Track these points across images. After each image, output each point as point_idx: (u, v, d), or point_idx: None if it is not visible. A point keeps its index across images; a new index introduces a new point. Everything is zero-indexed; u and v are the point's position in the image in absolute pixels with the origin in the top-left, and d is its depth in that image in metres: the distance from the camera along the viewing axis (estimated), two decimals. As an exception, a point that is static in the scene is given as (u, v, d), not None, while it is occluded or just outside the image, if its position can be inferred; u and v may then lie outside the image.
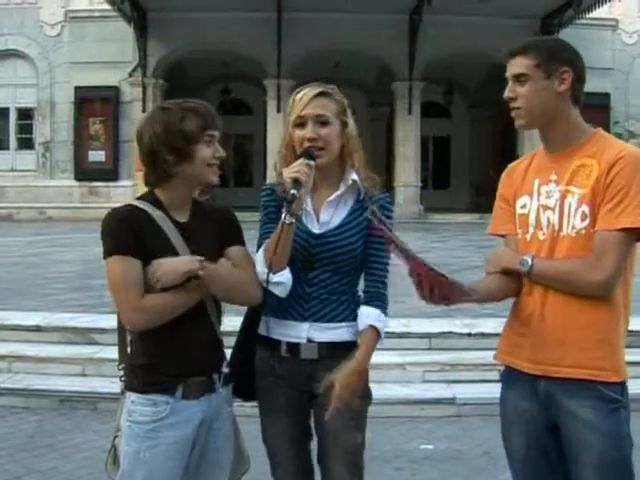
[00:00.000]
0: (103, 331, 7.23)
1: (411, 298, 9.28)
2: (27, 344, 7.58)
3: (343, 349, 2.96)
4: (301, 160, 2.85)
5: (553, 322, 2.70)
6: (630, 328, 2.78)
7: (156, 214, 2.83)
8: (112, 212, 2.82)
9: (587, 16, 20.85)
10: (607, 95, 22.93)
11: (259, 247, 2.95)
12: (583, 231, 2.66)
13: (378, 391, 6.33)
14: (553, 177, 2.77)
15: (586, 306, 2.65)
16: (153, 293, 2.74)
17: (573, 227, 2.68)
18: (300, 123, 2.96)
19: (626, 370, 2.73)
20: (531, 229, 2.80)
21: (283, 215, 2.79)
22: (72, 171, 23.50)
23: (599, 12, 20.95)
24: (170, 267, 2.73)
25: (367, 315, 2.97)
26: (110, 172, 23.17)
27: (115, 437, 2.89)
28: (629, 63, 23.76)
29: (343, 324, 2.99)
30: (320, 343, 2.98)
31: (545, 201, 2.77)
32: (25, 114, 24.22)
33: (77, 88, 23.21)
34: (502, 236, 2.96)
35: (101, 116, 23.35)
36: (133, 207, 2.84)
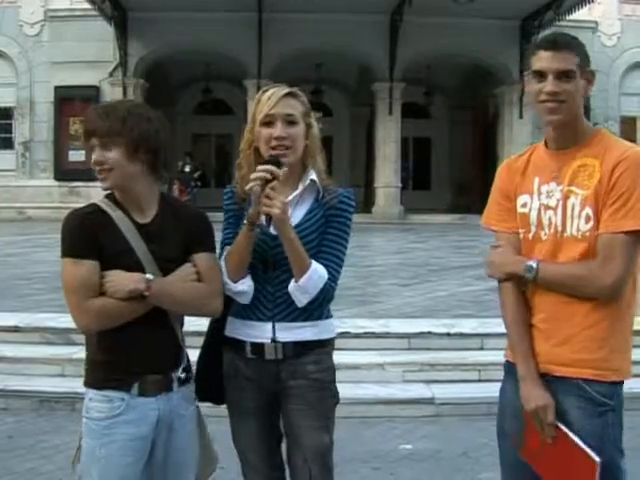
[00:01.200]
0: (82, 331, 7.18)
1: (389, 298, 9.31)
2: (6, 344, 7.54)
3: (308, 349, 3.00)
4: (267, 166, 2.82)
5: (556, 323, 2.70)
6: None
7: (115, 214, 2.84)
8: (72, 213, 2.86)
9: (567, 18, 20.95)
10: (587, 97, 23.00)
11: (221, 255, 2.97)
12: (587, 233, 2.64)
13: (357, 391, 6.41)
14: (553, 176, 2.75)
15: (587, 306, 2.65)
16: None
17: (578, 229, 2.67)
18: (268, 122, 2.98)
19: (629, 371, 2.72)
20: (533, 228, 2.77)
21: (243, 224, 2.85)
22: (52, 171, 23.37)
23: (579, 14, 21.06)
24: (117, 283, 2.75)
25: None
26: (90, 172, 22.43)
27: (81, 436, 2.90)
28: (608, 65, 23.87)
29: (307, 323, 3.00)
30: (285, 343, 2.99)
31: (546, 200, 2.75)
32: (4, 114, 24.03)
33: (57, 88, 23.10)
34: (495, 231, 2.93)
35: (81, 116, 22.97)
36: (94, 207, 2.86)
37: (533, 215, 2.77)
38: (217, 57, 23.40)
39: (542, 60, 2.67)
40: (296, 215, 2.99)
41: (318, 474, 3.01)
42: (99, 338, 2.84)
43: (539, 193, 2.77)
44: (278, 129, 2.96)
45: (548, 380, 2.71)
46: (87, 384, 2.90)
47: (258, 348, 3.01)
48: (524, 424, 2.75)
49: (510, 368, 2.85)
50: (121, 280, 2.75)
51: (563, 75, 2.67)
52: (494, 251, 2.85)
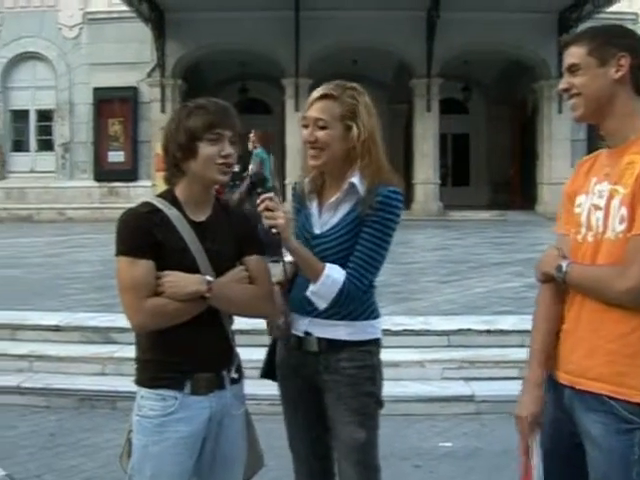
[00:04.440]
0: (122, 330, 7.26)
1: (429, 295, 9.31)
2: (47, 344, 7.63)
3: (341, 347, 3.03)
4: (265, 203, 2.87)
5: (586, 333, 2.55)
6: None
7: (171, 213, 2.85)
8: (127, 212, 2.86)
9: (606, 10, 20.69)
10: None
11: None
12: (620, 235, 2.48)
13: (397, 389, 6.39)
14: (605, 174, 2.59)
15: (619, 318, 2.47)
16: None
17: (613, 230, 2.50)
18: (305, 124, 3.04)
19: None
20: (582, 229, 2.62)
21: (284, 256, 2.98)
22: (91, 172, 23.58)
23: (619, 6, 20.78)
24: (177, 284, 2.76)
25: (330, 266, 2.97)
26: (129, 172, 23.23)
27: (130, 431, 2.93)
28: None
29: (341, 322, 3.03)
30: (320, 338, 3.05)
31: (597, 200, 2.58)
32: (44, 116, 24.32)
33: (96, 89, 23.31)
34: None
35: (120, 117, 23.42)
36: (149, 206, 2.87)
37: (584, 216, 2.63)
38: (254, 56, 23.44)
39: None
40: (335, 218, 3.03)
41: (354, 471, 3.02)
42: (151, 337, 2.86)
43: (592, 193, 2.62)
44: (307, 133, 3.02)
45: (570, 393, 2.60)
46: (139, 382, 2.91)
47: (299, 339, 3.09)
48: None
49: (547, 378, 2.72)
50: (181, 281, 2.77)
51: (570, 69, 2.61)
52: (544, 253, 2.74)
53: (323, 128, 2.99)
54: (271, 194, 2.84)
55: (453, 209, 22.99)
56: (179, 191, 2.90)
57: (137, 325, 2.81)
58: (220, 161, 2.82)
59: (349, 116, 3.00)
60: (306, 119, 3.03)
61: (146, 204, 2.89)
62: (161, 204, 2.87)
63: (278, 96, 24.63)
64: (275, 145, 29.14)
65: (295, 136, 21.95)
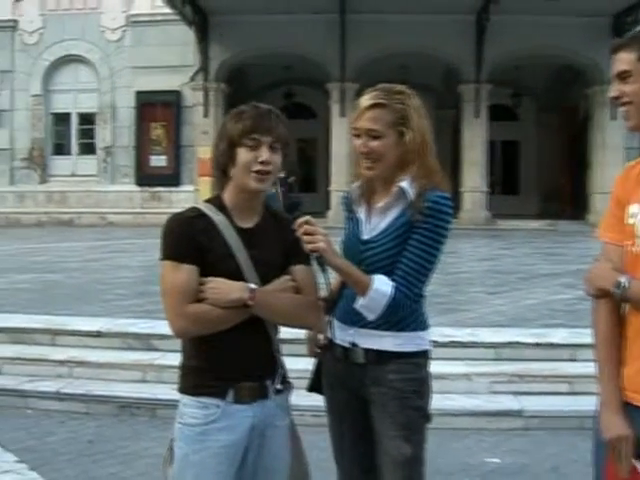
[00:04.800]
0: (164, 337, 7.29)
1: (477, 306, 9.23)
2: (87, 350, 7.70)
3: (389, 358, 3.01)
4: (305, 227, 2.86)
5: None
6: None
7: (218, 218, 2.86)
8: (173, 216, 2.89)
9: (664, 14, 20.47)
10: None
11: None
12: None
13: (443, 402, 6.36)
14: None
15: None
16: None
17: None
18: (356, 134, 3.04)
19: None
20: (638, 241, 2.52)
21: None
22: (133, 176, 23.83)
23: (677, 9, 20.54)
24: (219, 291, 2.77)
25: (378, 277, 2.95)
26: (172, 177, 23.41)
27: (172, 439, 2.94)
28: None
29: (387, 333, 3.01)
30: (366, 349, 3.03)
31: None
32: (86, 119, 24.63)
33: (138, 93, 23.57)
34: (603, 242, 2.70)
35: (162, 121, 23.63)
36: (196, 211, 2.88)
37: (639, 227, 2.52)
38: (298, 60, 23.52)
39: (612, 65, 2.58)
40: (383, 223, 3.02)
41: None
42: (195, 343, 2.88)
43: None
44: (360, 143, 3.01)
45: (629, 409, 2.54)
46: (181, 390, 2.92)
47: (345, 350, 3.08)
48: (605, 453, 2.58)
49: None
50: (225, 288, 2.78)
51: (621, 76, 2.54)
52: (593, 265, 2.65)
53: (376, 138, 2.98)
54: (308, 217, 2.83)
55: (502, 218, 22.84)
56: (226, 197, 2.92)
57: (177, 330, 2.83)
58: (256, 168, 2.80)
59: (400, 122, 2.98)
60: (357, 129, 3.02)
61: (193, 209, 2.91)
62: (208, 209, 2.88)
63: (323, 101, 24.67)
64: (319, 151, 29.29)
65: (340, 141, 21.96)
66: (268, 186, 2.86)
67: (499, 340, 7.52)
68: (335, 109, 22.93)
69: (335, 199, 21.96)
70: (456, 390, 6.84)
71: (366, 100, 3.01)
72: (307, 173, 29.64)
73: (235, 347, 2.84)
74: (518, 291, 10.75)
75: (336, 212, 20.49)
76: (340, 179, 21.75)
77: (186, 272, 2.78)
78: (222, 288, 2.78)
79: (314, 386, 3.25)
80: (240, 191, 2.88)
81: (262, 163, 2.80)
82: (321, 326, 3.08)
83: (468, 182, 23.11)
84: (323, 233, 2.83)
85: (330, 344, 3.15)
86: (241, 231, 2.87)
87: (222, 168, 2.88)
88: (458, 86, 23.53)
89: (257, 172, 2.81)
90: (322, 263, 2.85)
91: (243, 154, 2.81)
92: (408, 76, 22.74)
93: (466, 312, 9.04)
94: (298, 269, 2.93)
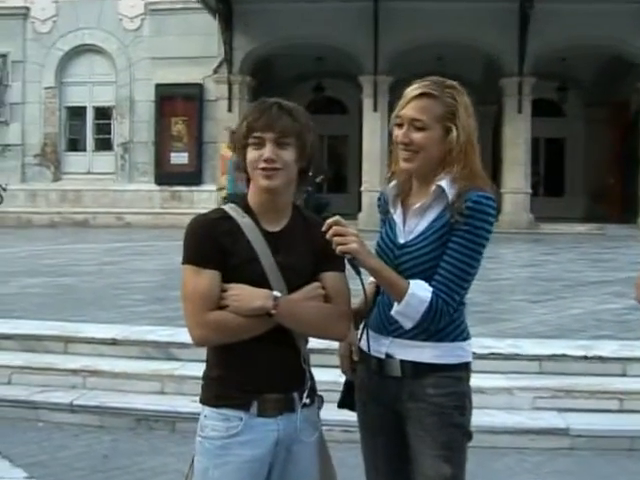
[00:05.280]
0: (184, 346, 7.29)
1: (519, 316, 9.18)
2: (102, 358, 7.72)
3: (427, 371, 2.98)
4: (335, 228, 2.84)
5: None
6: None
7: (243, 221, 2.87)
8: (196, 218, 2.91)
9: None
10: None
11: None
12: None
13: (482, 418, 6.31)
14: None
15: None
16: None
17: None
18: (399, 123, 3.01)
19: None
20: None
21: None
22: (152, 174, 23.94)
23: None
24: (241, 298, 2.78)
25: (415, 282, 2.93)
26: (193, 176, 23.50)
27: (194, 455, 2.94)
28: None
29: (426, 344, 2.98)
30: (403, 361, 3.00)
31: None
32: (103, 113, 24.81)
33: (158, 85, 23.68)
34: None
35: (184, 116, 23.73)
36: (220, 213, 2.90)
37: None
38: (329, 51, 23.53)
39: None
40: (422, 225, 3.00)
41: None
42: (216, 352, 2.89)
43: None
44: (401, 133, 2.99)
45: None
46: (203, 401, 2.93)
47: (379, 362, 3.05)
48: None
49: None
50: (247, 295, 2.78)
51: None
52: None
53: (420, 129, 2.96)
54: (337, 217, 2.82)
55: (545, 221, 22.74)
56: (250, 197, 2.94)
57: (197, 338, 2.84)
58: (261, 165, 2.83)
59: (449, 117, 2.97)
60: (401, 118, 2.99)
61: (217, 210, 2.94)
62: (233, 211, 2.89)
63: (355, 95, 24.70)
64: (350, 148, 29.29)
65: (373, 138, 21.98)
66: (280, 183, 2.86)
67: (543, 352, 7.46)
68: (367, 103, 22.92)
69: (367, 200, 21.97)
70: (496, 405, 6.79)
71: (415, 89, 3.00)
72: (337, 172, 29.67)
73: (260, 357, 2.84)
74: (563, 300, 10.69)
75: (368, 214, 20.50)
76: (372, 179, 21.77)
77: (208, 277, 2.79)
78: (244, 295, 2.78)
79: (345, 402, 3.23)
80: (259, 190, 2.89)
81: (265, 161, 2.82)
82: (351, 338, 3.06)
83: (509, 183, 23.03)
84: (355, 233, 2.82)
85: (363, 356, 3.13)
86: (267, 234, 2.88)
87: (244, 169, 2.92)
88: (499, 79, 23.47)
89: (262, 169, 2.83)
90: (355, 265, 2.83)
91: (250, 153, 2.85)
92: (445, 68, 22.68)
93: (507, 322, 9.00)
94: (328, 276, 2.93)
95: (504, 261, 15.11)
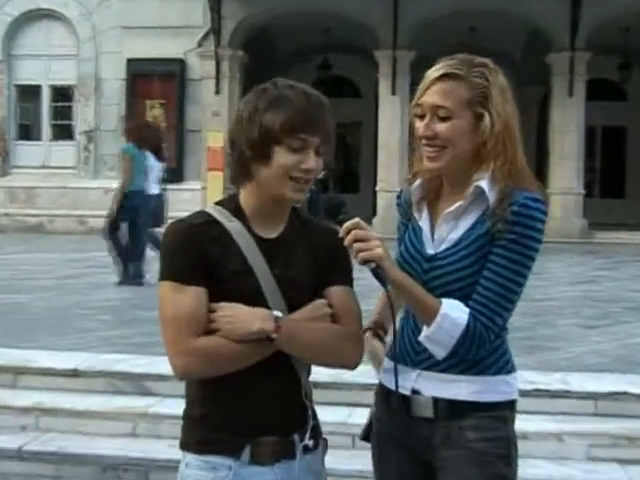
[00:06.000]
0: (161, 378, 7.29)
1: (569, 344, 9.19)
2: (62, 393, 7.71)
3: (465, 411, 2.96)
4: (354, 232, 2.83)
5: None
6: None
7: (232, 226, 2.85)
8: (175, 224, 2.87)
9: None
10: None
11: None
12: None
13: (527, 469, 6.30)
14: None
15: None
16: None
17: None
18: (419, 114, 2.99)
19: None
20: None
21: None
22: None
23: None
24: (236, 320, 2.76)
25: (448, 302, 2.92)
26: (172, 172, 23.45)
27: None
28: None
29: (463, 377, 2.97)
30: (436, 398, 2.99)
31: None
32: (62, 94, 24.86)
33: (130, 61, 23.70)
34: None
35: (161, 98, 23.77)
36: (204, 217, 2.88)
37: None
38: (338, 21, 23.58)
39: None
40: (456, 233, 2.98)
41: None
42: (199, 386, 2.87)
43: None
44: (422, 125, 2.96)
45: None
46: (183, 446, 2.92)
47: (404, 399, 3.02)
48: None
49: None
50: (242, 316, 2.76)
51: None
52: None
53: (445, 119, 2.92)
54: (357, 219, 2.79)
55: (602, 229, 22.76)
56: (244, 198, 2.90)
57: (180, 369, 2.80)
58: (297, 174, 2.79)
59: (480, 102, 2.93)
60: (421, 107, 2.95)
61: (200, 214, 2.90)
62: (220, 214, 2.87)
63: (369, 74, 24.75)
64: (363, 138, 29.32)
65: (391, 126, 22.01)
66: (304, 197, 2.87)
67: (599, 389, 7.46)
68: (385, 84, 22.96)
69: (383, 202, 22.00)
70: (543, 454, 6.79)
71: (436, 70, 2.95)
72: (347, 167, 29.67)
73: (253, 391, 2.82)
74: (624, 325, 10.70)
75: (384, 219, 20.53)
76: (390, 176, 21.82)
77: (192, 296, 2.76)
78: (239, 316, 2.76)
79: (369, 434, 3.22)
80: (267, 197, 2.87)
81: (306, 171, 2.79)
82: (357, 364, 3.01)
83: (558, 181, 23.04)
84: (378, 237, 2.80)
85: (381, 390, 3.12)
86: (262, 242, 2.86)
87: (247, 163, 2.85)
88: (546, 55, 23.49)
89: (297, 180, 2.80)
90: (380, 275, 2.80)
91: (283, 156, 2.77)
92: (480, 42, 22.79)
93: (555, 351, 9.00)
94: (335, 291, 2.92)
95: (551, 277, 15.13)
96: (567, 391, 7.42)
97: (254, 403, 2.83)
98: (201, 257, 2.78)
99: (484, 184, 2.94)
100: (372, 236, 2.79)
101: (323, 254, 2.91)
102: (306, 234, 2.96)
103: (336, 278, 2.93)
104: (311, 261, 2.91)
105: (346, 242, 2.78)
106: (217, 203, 2.95)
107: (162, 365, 7.55)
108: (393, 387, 2.99)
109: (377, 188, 22.94)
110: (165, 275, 2.81)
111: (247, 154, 2.81)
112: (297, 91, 2.81)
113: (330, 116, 2.84)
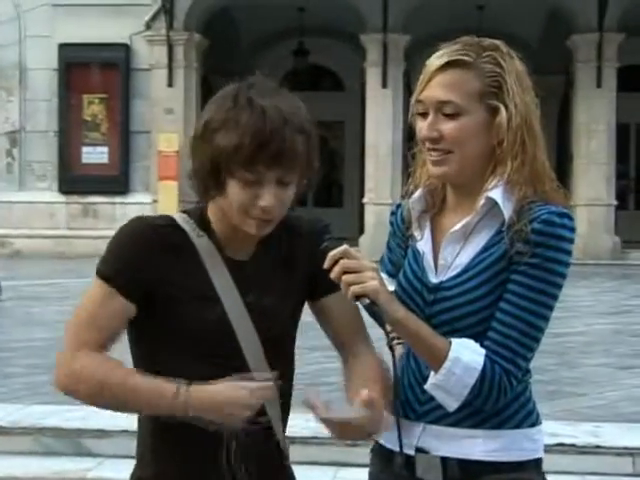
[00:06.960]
0: (102, 434, 7.30)
1: (599, 388, 9.23)
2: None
3: (480, 472, 2.94)
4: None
5: None
6: None
7: (200, 241, 2.83)
8: (135, 220, 2.86)
9: None
10: None
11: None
12: None
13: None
14: None
15: None
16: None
17: None
18: (421, 112, 2.96)
19: None
20: None
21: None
22: (55, 179, 23.95)
23: None
24: (236, 401, 2.67)
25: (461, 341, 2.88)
26: (116, 181, 23.52)
27: None
28: None
29: (479, 432, 2.94)
30: (445, 458, 2.96)
31: None
32: (-20, 88, 24.86)
33: (62, 46, 23.69)
34: None
35: (102, 92, 23.79)
36: (169, 221, 2.86)
37: None
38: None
39: None
40: (465, 256, 2.95)
41: None
42: (154, 439, 2.85)
43: None
44: (425, 125, 2.93)
45: None
46: None
47: (408, 460, 2.99)
48: None
49: None
50: (236, 398, 2.67)
51: None
52: None
53: (453, 116, 2.89)
54: (345, 247, 2.73)
55: (636, 247, 22.83)
56: (213, 214, 2.87)
57: (56, 382, 2.78)
58: (255, 212, 2.73)
59: (493, 92, 2.89)
60: (423, 103, 2.93)
61: (165, 217, 2.89)
62: (186, 224, 2.86)
63: (355, 62, 24.81)
64: (348, 141, 29.35)
65: (381, 126, 22.04)
66: (271, 229, 2.81)
67: (637, 444, 7.49)
68: (373, 75, 22.99)
69: (372, 218, 22.04)
70: (569, 523, 6.84)
71: (439, 57, 2.92)
72: (327, 177, 29.66)
73: (217, 446, 2.78)
74: (665, 365, 10.75)
75: (374, 238, 20.52)
76: (380, 187, 21.85)
77: (119, 309, 2.75)
78: (233, 399, 2.67)
79: None
80: (237, 229, 2.83)
81: (263, 210, 2.72)
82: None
83: (583, 190, 23.10)
84: (372, 267, 2.76)
85: (380, 449, 3.11)
86: (233, 264, 2.85)
87: (207, 183, 2.77)
88: (568, 38, 23.60)
89: (254, 219, 2.74)
90: (376, 313, 2.75)
91: (236, 190, 2.71)
92: (488, 23, 22.97)
93: (582, 397, 9.04)
94: (332, 299, 2.94)
95: (576, 307, 15.17)
96: (598, 446, 7.44)
97: (219, 461, 2.78)
98: (152, 265, 2.75)
99: (497, 194, 2.89)
100: (365, 266, 2.74)
101: (307, 263, 2.92)
102: (289, 244, 2.95)
103: (328, 283, 2.81)
104: (295, 279, 2.92)
105: (333, 275, 2.73)
106: (185, 211, 2.92)
107: (103, 419, 7.55)
108: (394, 447, 2.98)
109: (364, 200, 22.95)
110: (102, 271, 2.77)
111: (202, 178, 2.77)
112: (255, 109, 2.67)
113: (297, 133, 2.69)
